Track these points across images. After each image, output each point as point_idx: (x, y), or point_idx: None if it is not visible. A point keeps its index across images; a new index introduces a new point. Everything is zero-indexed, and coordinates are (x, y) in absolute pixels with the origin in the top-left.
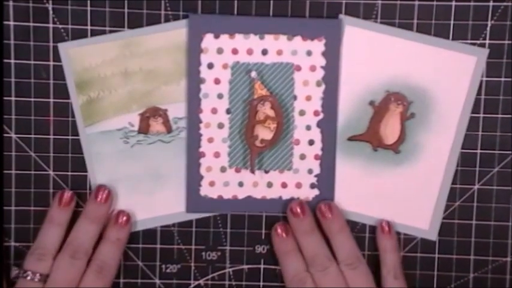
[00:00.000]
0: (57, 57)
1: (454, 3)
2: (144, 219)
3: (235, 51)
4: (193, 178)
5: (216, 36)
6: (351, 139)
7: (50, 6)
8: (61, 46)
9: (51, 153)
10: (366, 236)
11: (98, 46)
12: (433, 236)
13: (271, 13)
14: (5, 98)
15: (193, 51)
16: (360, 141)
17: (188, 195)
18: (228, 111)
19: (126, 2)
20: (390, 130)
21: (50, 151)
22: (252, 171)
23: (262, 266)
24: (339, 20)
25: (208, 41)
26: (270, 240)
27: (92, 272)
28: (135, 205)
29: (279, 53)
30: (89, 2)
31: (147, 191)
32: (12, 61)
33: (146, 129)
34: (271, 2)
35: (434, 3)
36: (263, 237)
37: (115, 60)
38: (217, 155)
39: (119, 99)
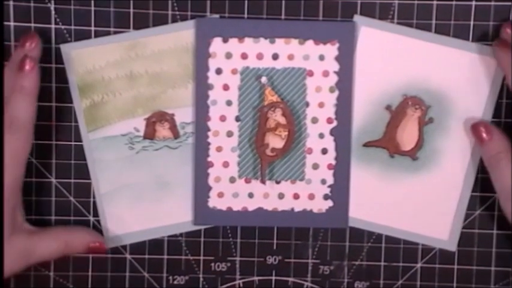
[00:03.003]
0: (59, 60)
1: (474, 3)
2: (150, 229)
3: (244, 56)
4: (201, 189)
5: (225, 41)
6: (366, 145)
7: (52, 6)
8: (63, 47)
9: (53, 160)
10: (382, 246)
11: (101, 47)
12: (453, 247)
13: (283, 14)
14: None
15: (201, 56)
16: (376, 147)
17: (196, 206)
18: (237, 119)
19: (131, 2)
20: (407, 136)
21: (52, 157)
22: (263, 182)
23: (273, 278)
24: (352, 23)
25: (217, 46)
26: (282, 251)
27: (4, 128)
28: (140, 214)
29: (290, 57)
30: (92, 1)
31: (153, 199)
32: None
33: (152, 135)
34: (283, 2)
35: (453, 2)
36: (275, 247)
37: (120, 63)
38: (226, 164)
39: (123, 103)
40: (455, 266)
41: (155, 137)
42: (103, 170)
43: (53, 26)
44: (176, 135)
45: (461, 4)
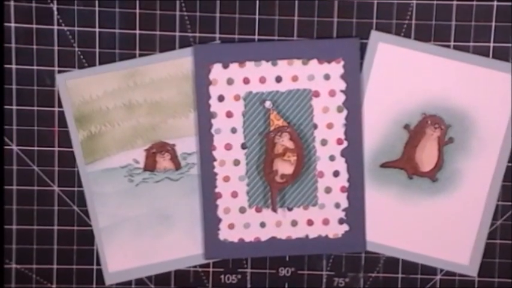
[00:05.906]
0: (62, 62)
1: (495, 3)
2: (154, 264)
3: (246, 81)
4: (211, 221)
5: (225, 66)
6: (384, 166)
7: (54, 7)
8: (59, 77)
9: (55, 167)
10: (399, 257)
11: (98, 77)
12: (474, 272)
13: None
14: (6, 107)
15: (201, 83)
16: (393, 168)
17: (206, 239)
18: (243, 146)
19: (137, 2)
20: (427, 156)
21: (55, 165)
22: (274, 210)
23: None
24: (356, 39)
25: (217, 72)
26: (295, 263)
27: None
28: (142, 248)
29: (294, 79)
30: (97, 2)
31: (155, 232)
32: (14, 66)
33: (153, 166)
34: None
35: (474, 3)
36: (287, 258)
37: (118, 92)
38: (235, 194)
39: (122, 134)
40: (476, 278)
41: (156, 168)
42: (102, 204)
43: (55, 27)
44: (177, 167)
45: (482, 4)
